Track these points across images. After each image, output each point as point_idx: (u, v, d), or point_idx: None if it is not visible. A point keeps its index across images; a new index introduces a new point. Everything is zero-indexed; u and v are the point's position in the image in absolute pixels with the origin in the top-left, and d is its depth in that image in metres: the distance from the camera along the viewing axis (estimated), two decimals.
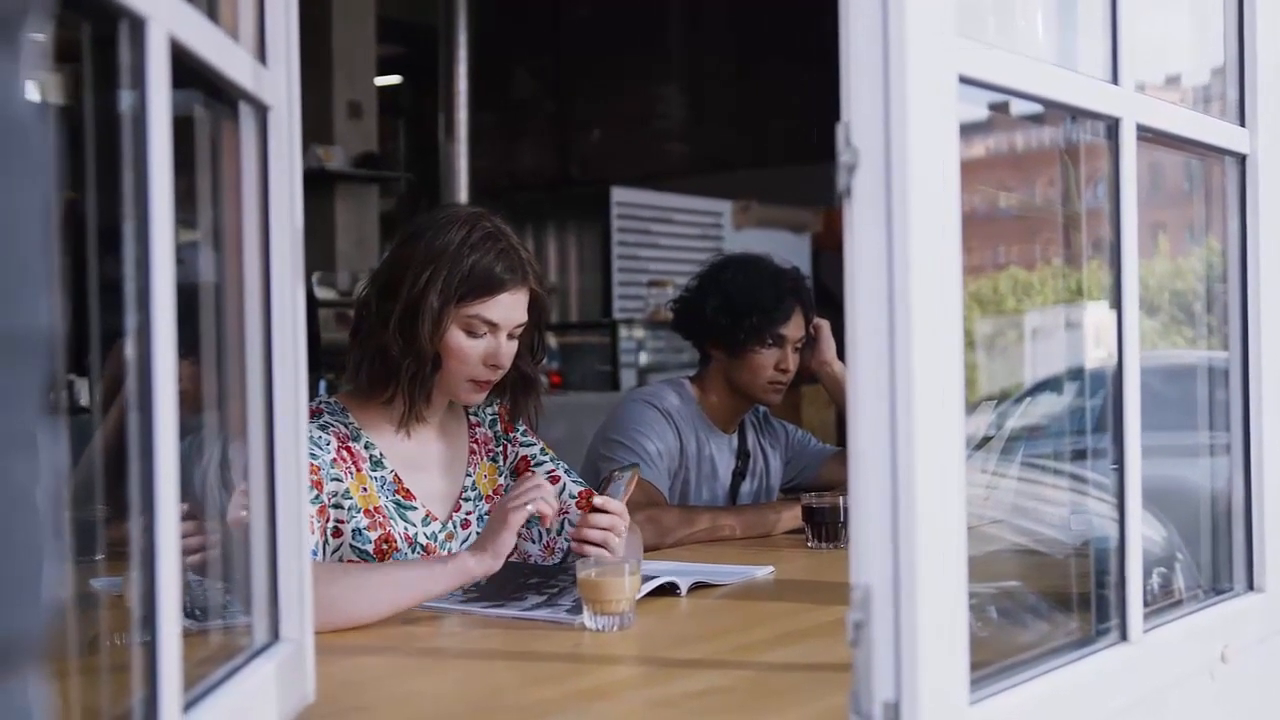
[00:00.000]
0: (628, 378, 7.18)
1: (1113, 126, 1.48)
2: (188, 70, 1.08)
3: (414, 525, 2.18)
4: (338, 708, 1.45)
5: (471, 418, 2.35)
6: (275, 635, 1.33)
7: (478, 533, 2.24)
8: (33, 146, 0.53)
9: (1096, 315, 1.84)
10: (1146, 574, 1.55)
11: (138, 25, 0.97)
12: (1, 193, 0.51)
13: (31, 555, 0.54)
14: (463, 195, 8.52)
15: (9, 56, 0.53)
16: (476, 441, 2.33)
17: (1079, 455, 1.90)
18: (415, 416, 2.20)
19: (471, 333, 2.14)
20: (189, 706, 1.05)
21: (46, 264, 0.55)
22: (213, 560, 1.45)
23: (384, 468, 2.18)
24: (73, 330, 0.91)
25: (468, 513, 2.27)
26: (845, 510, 2.61)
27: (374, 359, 2.15)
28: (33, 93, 0.55)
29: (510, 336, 2.17)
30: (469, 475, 2.29)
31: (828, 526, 2.61)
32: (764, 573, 2.31)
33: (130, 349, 0.98)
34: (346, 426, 2.17)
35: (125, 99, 0.98)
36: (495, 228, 2.18)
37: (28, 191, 0.53)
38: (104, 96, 1.02)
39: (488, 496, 2.30)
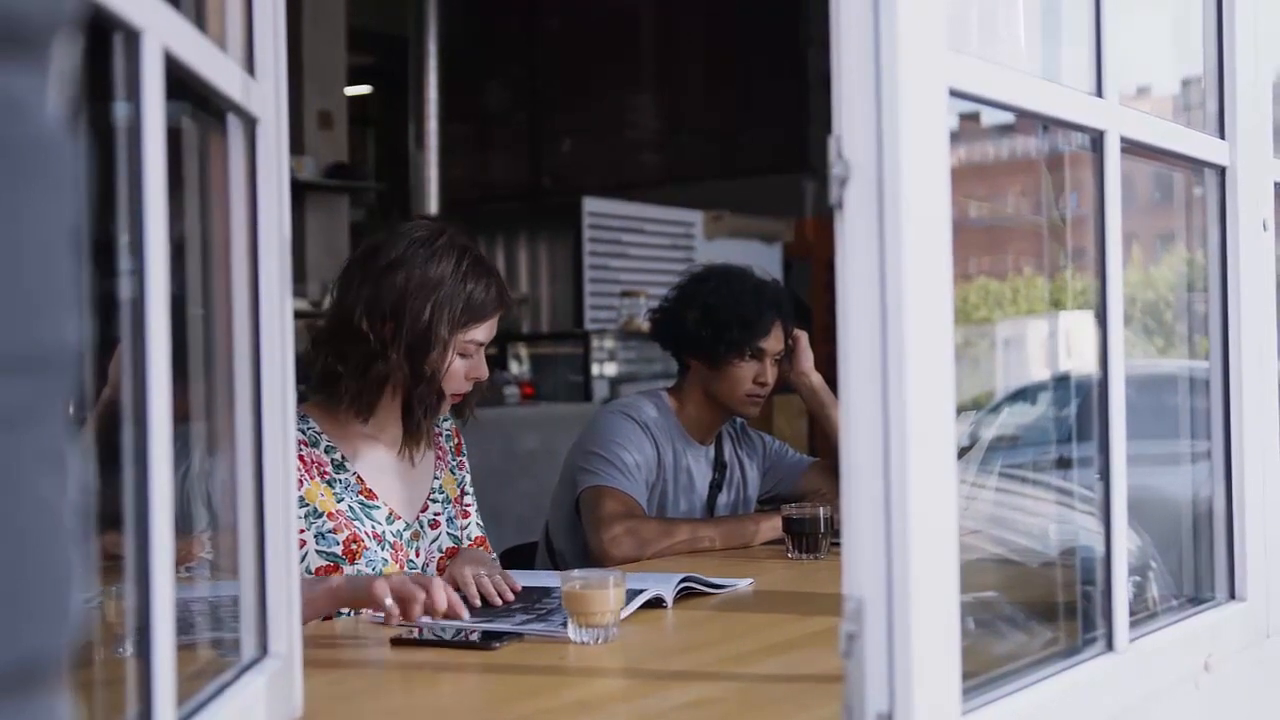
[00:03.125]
0: (600, 388, 7.17)
1: (1097, 139, 1.49)
2: (176, 81, 1.07)
3: (379, 524, 2.23)
4: None
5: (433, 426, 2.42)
6: (264, 650, 1.32)
7: (448, 533, 2.35)
8: (62, 161, 0.53)
9: (1069, 325, 1.85)
10: None
11: (132, 37, 0.96)
12: (31, 208, 0.51)
13: (61, 572, 0.54)
14: (433, 206, 8.50)
15: (36, 73, 0.53)
16: (440, 448, 2.42)
17: (1057, 465, 1.91)
18: (428, 440, 2.31)
19: (464, 354, 2.25)
20: None
21: (75, 281, 0.55)
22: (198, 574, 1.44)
23: (347, 470, 2.23)
24: None
25: (435, 513, 2.35)
26: (825, 521, 2.61)
27: (375, 388, 2.21)
28: (60, 109, 0.55)
29: (486, 350, 2.30)
30: (436, 478, 2.38)
31: (808, 537, 2.61)
32: (744, 584, 2.31)
33: (124, 361, 0.97)
34: (304, 432, 2.20)
35: (119, 110, 0.98)
36: (479, 252, 2.29)
37: (57, 208, 0.52)
38: (95, 107, 1.01)
39: (454, 501, 2.39)
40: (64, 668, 0.56)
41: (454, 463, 2.43)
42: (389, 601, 1.87)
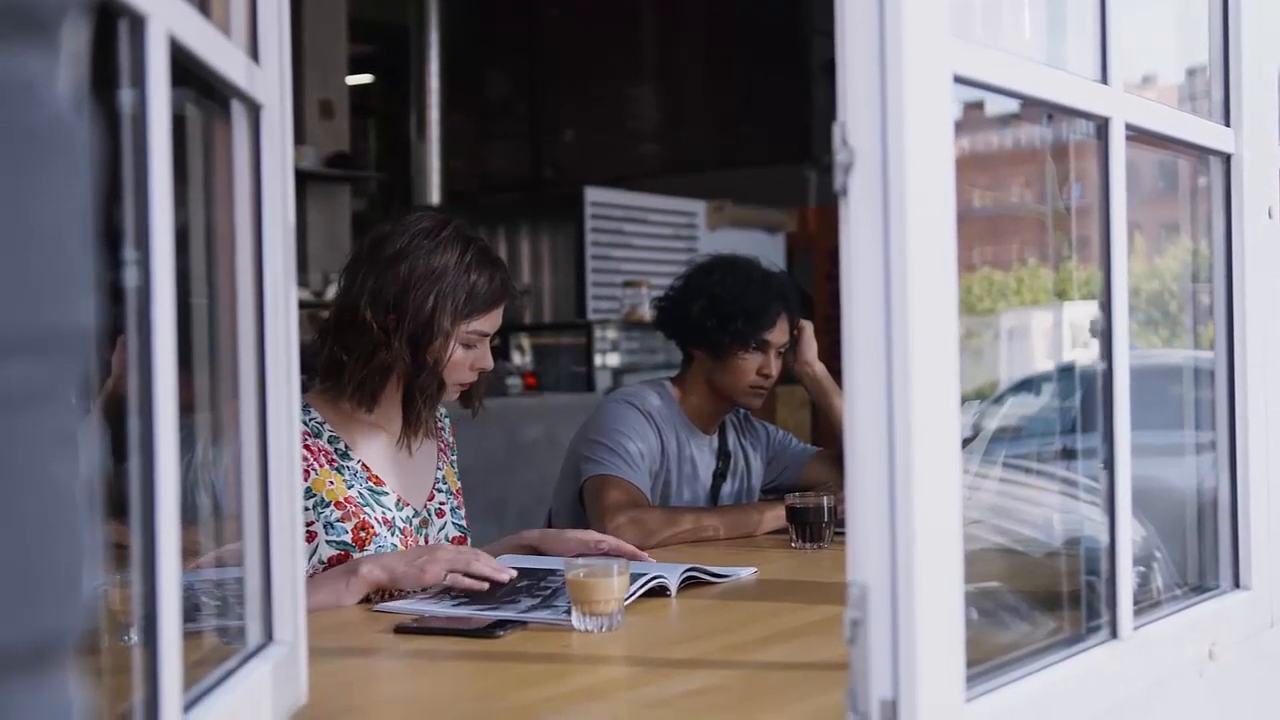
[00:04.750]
0: (602, 379, 7.17)
1: (1102, 126, 1.49)
2: (181, 67, 1.07)
3: (389, 509, 2.25)
4: (330, 709, 1.45)
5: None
6: (269, 636, 1.32)
7: (452, 523, 2.38)
8: (74, 144, 0.53)
9: (1073, 315, 1.84)
10: None
11: (138, 23, 0.96)
12: (45, 190, 0.51)
13: (73, 552, 0.54)
14: (435, 196, 8.49)
15: (48, 55, 0.53)
16: (443, 441, 2.44)
17: (1061, 455, 1.91)
18: (427, 429, 2.32)
19: (468, 345, 2.25)
20: (188, 707, 1.04)
21: (88, 262, 0.55)
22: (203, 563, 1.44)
23: (351, 459, 2.25)
24: None
25: (440, 503, 2.38)
26: (829, 510, 2.61)
27: (377, 377, 2.22)
28: (71, 92, 0.55)
29: (491, 340, 2.31)
30: (439, 469, 2.40)
31: (811, 526, 2.61)
32: (748, 573, 2.31)
33: (130, 350, 0.97)
34: (306, 423, 2.20)
35: (124, 96, 0.98)
36: (483, 243, 2.29)
37: (70, 189, 0.52)
38: (100, 94, 1.01)
39: (455, 493, 2.42)
40: (77, 647, 0.56)
41: (452, 458, 2.46)
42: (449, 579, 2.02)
